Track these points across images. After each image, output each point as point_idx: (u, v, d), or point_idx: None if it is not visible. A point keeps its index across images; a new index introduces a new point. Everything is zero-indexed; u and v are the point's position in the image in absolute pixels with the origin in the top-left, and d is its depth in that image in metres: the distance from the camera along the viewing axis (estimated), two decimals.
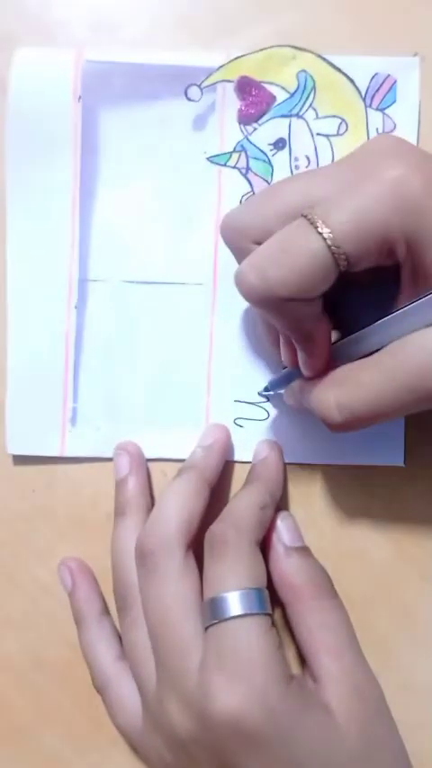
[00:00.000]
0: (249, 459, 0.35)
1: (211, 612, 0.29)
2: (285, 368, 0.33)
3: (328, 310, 0.29)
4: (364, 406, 0.27)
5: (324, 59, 0.35)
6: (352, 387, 0.28)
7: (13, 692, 0.36)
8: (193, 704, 0.29)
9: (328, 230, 0.26)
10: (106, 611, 0.35)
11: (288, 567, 0.32)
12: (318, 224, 0.26)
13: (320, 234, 0.26)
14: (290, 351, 0.31)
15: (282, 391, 0.34)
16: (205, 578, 0.31)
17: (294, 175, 0.32)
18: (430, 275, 0.27)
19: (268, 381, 0.35)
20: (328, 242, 0.25)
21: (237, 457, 0.36)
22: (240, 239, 0.29)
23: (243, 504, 0.32)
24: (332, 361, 0.30)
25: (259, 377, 0.36)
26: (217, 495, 0.34)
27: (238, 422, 0.36)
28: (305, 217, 0.26)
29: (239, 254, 0.29)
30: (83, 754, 0.35)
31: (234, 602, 0.29)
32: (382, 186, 0.26)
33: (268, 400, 0.36)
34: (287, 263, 0.26)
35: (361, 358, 0.28)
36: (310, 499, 0.35)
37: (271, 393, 0.35)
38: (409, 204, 0.26)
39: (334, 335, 0.31)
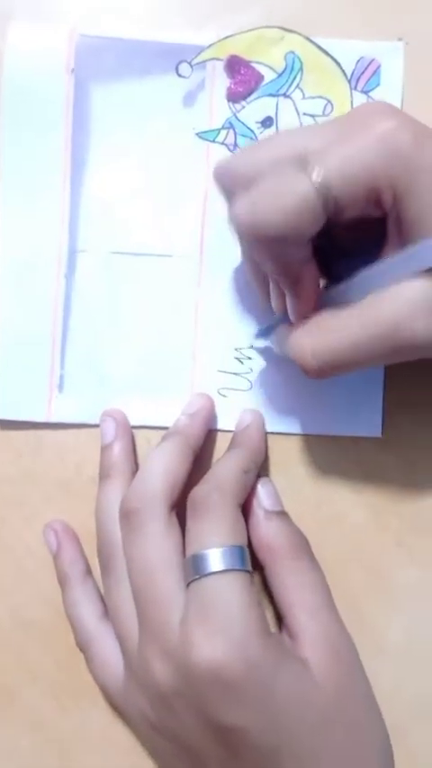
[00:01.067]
0: (232, 428, 0.36)
1: (193, 568, 0.30)
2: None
3: (319, 266, 0.30)
4: (338, 353, 0.28)
5: (311, 41, 0.36)
6: (327, 334, 0.29)
7: None
8: (175, 657, 0.29)
9: (319, 174, 0.27)
10: (90, 572, 0.36)
11: (267, 530, 0.33)
12: (309, 168, 0.27)
13: (311, 176, 0.27)
14: (279, 297, 0.32)
15: (269, 343, 0.35)
16: (188, 536, 0.31)
17: (287, 129, 0.33)
18: (414, 229, 0.28)
19: (257, 330, 0.36)
20: (317, 184, 0.27)
21: (220, 426, 0.36)
22: (232, 183, 0.30)
23: (226, 468, 0.33)
24: (316, 311, 0.31)
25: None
26: (200, 463, 0.35)
27: (221, 392, 0.36)
28: (297, 162, 0.27)
29: (229, 197, 0.30)
30: (65, 714, 0.36)
31: (215, 559, 0.30)
32: (373, 136, 0.27)
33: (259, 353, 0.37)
34: (277, 203, 0.27)
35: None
36: (289, 467, 0.36)
37: (261, 346, 0.36)
38: (397, 154, 0.27)
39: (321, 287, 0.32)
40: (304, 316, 0.31)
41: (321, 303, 0.31)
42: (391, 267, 0.28)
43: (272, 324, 0.34)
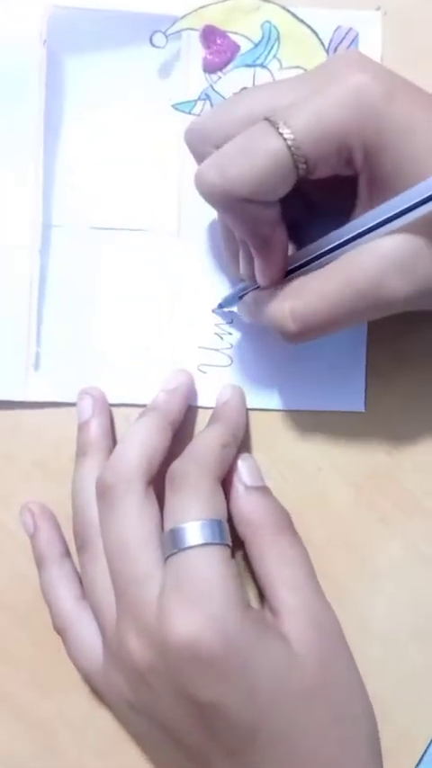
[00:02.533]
0: (212, 404, 0.35)
1: (171, 542, 0.30)
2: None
3: (288, 231, 0.29)
4: (318, 314, 0.28)
5: (288, 11, 0.36)
6: (306, 295, 0.28)
7: None
8: (152, 633, 0.29)
9: (289, 131, 0.26)
10: (67, 553, 0.35)
11: (248, 505, 0.32)
12: (279, 126, 0.26)
13: (281, 134, 0.26)
14: (249, 262, 0.31)
15: (234, 309, 0.35)
16: (166, 511, 0.31)
17: (258, 85, 0.32)
18: (386, 187, 0.27)
19: (223, 297, 0.35)
20: (289, 143, 0.26)
21: (200, 402, 0.36)
22: (203, 144, 0.29)
23: (204, 442, 0.32)
24: (288, 274, 0.30)
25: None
26: (179, 440, 0.34)
27: (201, 368, 0.36)
28: (267, 120, 0.27)
29: (201, 159, 0.29)
30: (44, 697, 0.35)
31: (194, 532, 0.29)
32: (343, 91, 0.26)
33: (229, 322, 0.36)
34: (247, 162, 0.26)
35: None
36: (271, 444, 0.36)
37: (225, 310, 0.35)
38: (368, 109, 0.26)
39: (291, 251, 0.31)
40: (273, 280, 0.30)
41: (291, 267, 0.30)
42: (363, 226, 0.27)
43: (238, 291, 0.34)
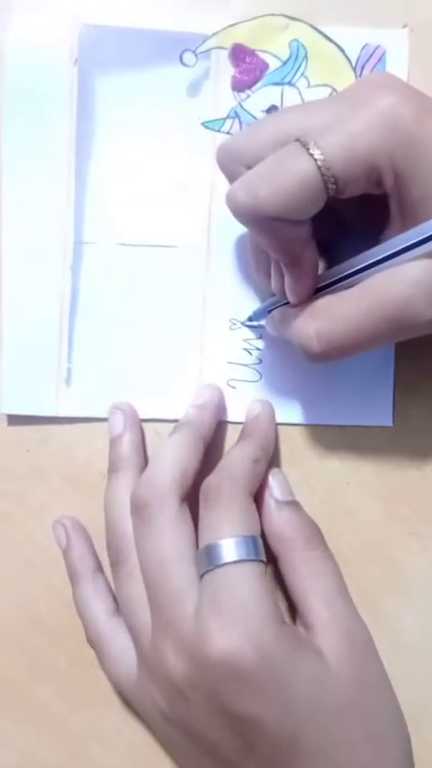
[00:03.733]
0: (242, 419, 0.36)
1: (207, 559, 0.30)
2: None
3: (318, 249, 0.30)
4: (343, 336, 0.28)
5: (316, 29, 0.36)
6: (331, 317, 0.29)
7: (7, 650, 0.36)
8: (190, 648, 0.29)
9: (319, 152, 0.26)
10: (100, 568, 0.35)
11: (279, 520, 0.32)
12: (309, 146, 0.27)
13: (311, 155, 0.26)
14: (279, 278, 0.31)
15: (262, 323, 0.35)
16: (201, 527, 0.31)
17: (290, 106, 0.33)
18: (416, 209, 0.28)
19: (253, 311, 0.36)
20: (319, 163, 0.26)
21: (230, 417, 0.36)
22: (234, 164, 0.30)
23: (237, 457, 0.33)
24: (316, 293, 0.31)
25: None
26: (211, 455, 0.35)
27: (231, 383, 0.36)
28: (298, 140, 0.27)
29: (232, 179, 0.30)
30: (77, 712, 0.36)
31: (229, 549, 0.30)
32: (373, 113, 0.27)
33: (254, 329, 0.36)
34: (277, 181, 0.27)
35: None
36: (300, 459, 0.36)
37: (254, 324, 0.36)
38: (398, 132, 0.27)
39: (321, 269, 0.31)
40: (302, 298, 0.30)
41: (321, 285, 0.31)
42: (394, 249, 0.28)
43: (267, 305, 0.34)
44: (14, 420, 0.36)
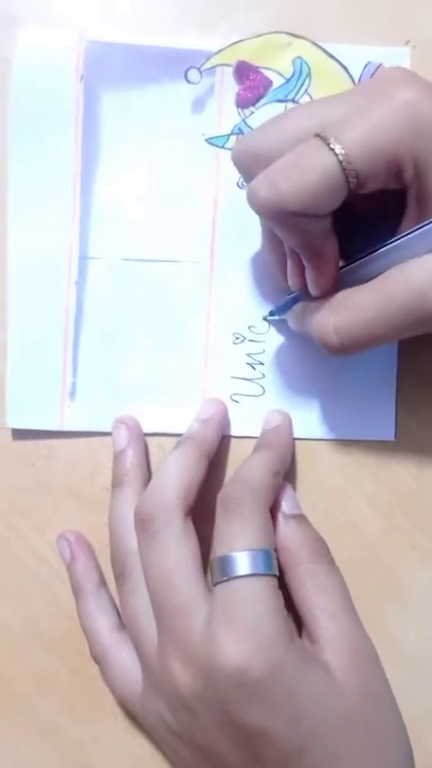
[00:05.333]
0: (246, 434, 0.36)
1: (221, 570, 0.30)
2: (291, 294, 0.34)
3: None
4: (361, 329, 0.29)
5: (319, 47, 0.36)
6: (350, 310, 0.29)
7: (10, 663, 0.36)
8: (198, 659, 0.29)
9: (340, 147, 0.27)
10: (104, 582, 0.36)
11: (286, 533, 0.33)
12: (330, 141, 0.27)
13: (332, 150, 0.27)
14: (297, 273, 0.32)
15: (284, 317, 0.35)
16: (216, 536, 0.31)
17: (307, 102, 0.33)
18: None
19: (274, 307, 0.36)
20: (340, 158, 0.27)
21: (233, 432, 0.36)
22: (253, 163, 0.29)
23: (257, 469, 0.33)
24: (336, 288, 0.31)
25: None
26: (214, 469, 0.35)
27: (234, 398, 0.36)
28: (318, 136, 0.27)
29: (250, 177, 0.30)
30: (80, 724, 0.36)
31: (244, 562, 0.30)
32: (394, 107, 0.27)
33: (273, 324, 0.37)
34: (299, 176, 0.27)
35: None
36: (302, 473, 0.36)
37: (275, 318, 0.36)
38: (419, 124, 0.27)
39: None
40: (325, 290, 0.31)
41: (341, 280, 0.31)
42: (411, 241, 0.28)
43: (288, 301, 0.34)
44: (19, 434, 0.36)
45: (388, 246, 0.29)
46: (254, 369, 0.37)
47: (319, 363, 0.36)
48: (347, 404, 0.36)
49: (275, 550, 0.32)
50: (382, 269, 0.29)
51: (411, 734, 0.33)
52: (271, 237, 0.33)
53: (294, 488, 0.36)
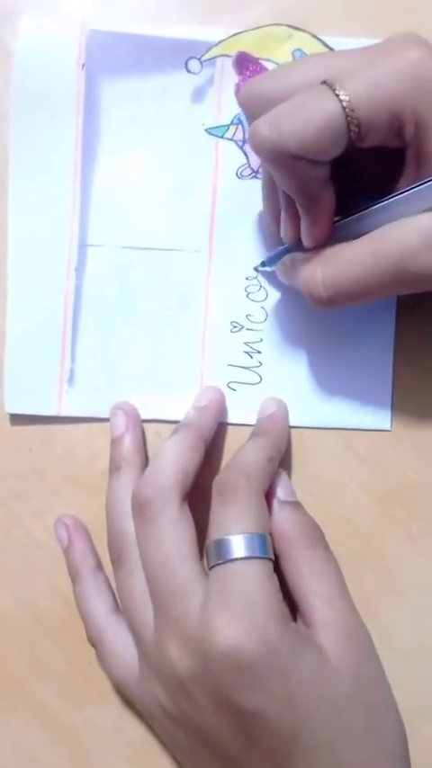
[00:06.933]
0: (242, 421, 0.36)
1: (217, 553, 0.30)
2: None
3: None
4: (349, 283, 0.29)
5: (319, 39, 0.36)
6: (339, 264, 0.29)
7: (7, 647, 0.36)
8: (195, 641, 0.29)
9: (345, 94, 0.27)
10: (101, 566, 0.36)
11: (281, 519, 0.33)
12: (336, 88, 0.27)
13: (337, 96, 0.27)
14: (291, 224, 0.32)
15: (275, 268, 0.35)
16: (212, 521, 0.32)
17: (316, 53, 0.33)
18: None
19: (265, 257, 0.36)
20: (344, 104, 0.27)
21: (230, 419, 0.37)
22: (259, 106, 0.29)
23: (252, 455, 0.33)
24: (328, 242, 0.31)
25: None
26: (211, 456, 0.35)
27: (231, 385, 0.37)
28: (325, 82, 0.28)
29: (255, 119, 0.29)
30: (76, 709, 0.36)
31: (239, 545, 0.30)
32: (401, 63, 0.28)
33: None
34: (302, 119, 0.27)
35: None
36: (298, 462, 0.37)
37: (267, 269, 0.36)
38: (423, 84, 0.27)
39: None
40: (318, 241, 0.31)
41: (334, 235, 0.31)
42: (404, 200, 0.28)
43: (279, 252, 0.34)
44: (17, 419, 0.36)
45: (383, 203, 0.29)
46: (251, 357, 0.37)
47: (317, 352, 0.37)
48: (344, 393, 0.37)
49: (271, 536, 0.32)
50: (375, 226, 0.29)
51: (405, 723, 0.33)
52: (269, 185, 0.33)
53: (290, 477, 0.36)
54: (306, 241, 0.31)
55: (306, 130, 0.27)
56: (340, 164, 0.29)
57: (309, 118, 0.27)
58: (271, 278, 0.37)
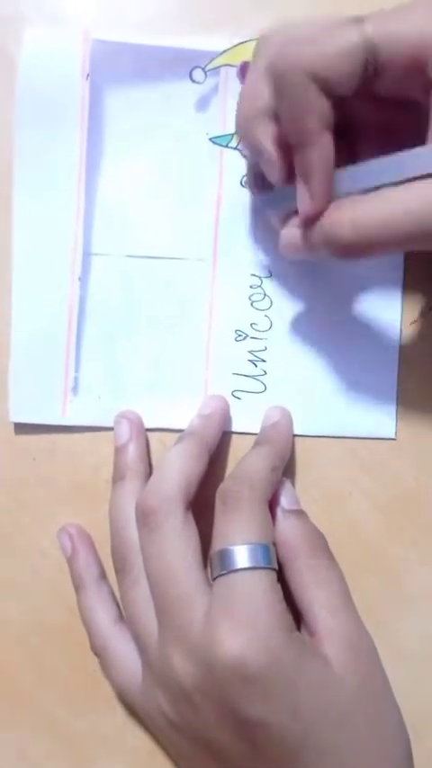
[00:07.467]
0: (247, 430, 0.36)
1: (220, 563, 0.30)
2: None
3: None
4: (378, 225, 0.28)
5: None
6: (368, 206, 0.28)
7: (12, 656, 0.36)
8: (198, 651, 0.29)
9: (369, 25, 0.27)
10: (104, 575, 0.36)
11: (285, 528, 0.33)
12: (359, 24, 0.27)
13: (360, 27, 0.27)
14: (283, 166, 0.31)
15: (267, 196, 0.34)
16: (216, 531, 0.32)
17: None
18: None
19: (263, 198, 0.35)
20: (366, 35, 0.27)
21: (234, 428, 0.37)
22: (284, 43, 0.29)
23: (256, 464, 0.33)
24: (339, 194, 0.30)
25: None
26: (215, 465, 0.35)
27: (235, 394, 0.37)
28: (350, 18, 0.28)
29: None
30: (80, 717, 0.36)
31: (243, 555, 0.30)
32: (428, 7, 0.27)
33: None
34: (321, 40, 0.27)
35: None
36: (302, 470, 0.37)
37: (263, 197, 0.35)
38: None
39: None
40: (319, 196, 0.29)
41: (344, 180, 0.30)
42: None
43: (276, 193, 0.33)
44: (22, 428, 0.37)
45: (404, 153, 0.28)
46: (255, 366, 0.37)
47: (321, 361, 0.37)
48: (348, 401, 0.37)
49: (275, 545, 0.32)
50: (392, 176, 0.28)
51: (410, 731, 0.33)
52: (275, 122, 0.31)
53: (294, 485, 0.36)
54: (304, 204, 0.30)
55: (321, 51, 0.27)
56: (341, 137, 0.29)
57: (328, 41, 0.27)
58: (275, 287, 0.37)
